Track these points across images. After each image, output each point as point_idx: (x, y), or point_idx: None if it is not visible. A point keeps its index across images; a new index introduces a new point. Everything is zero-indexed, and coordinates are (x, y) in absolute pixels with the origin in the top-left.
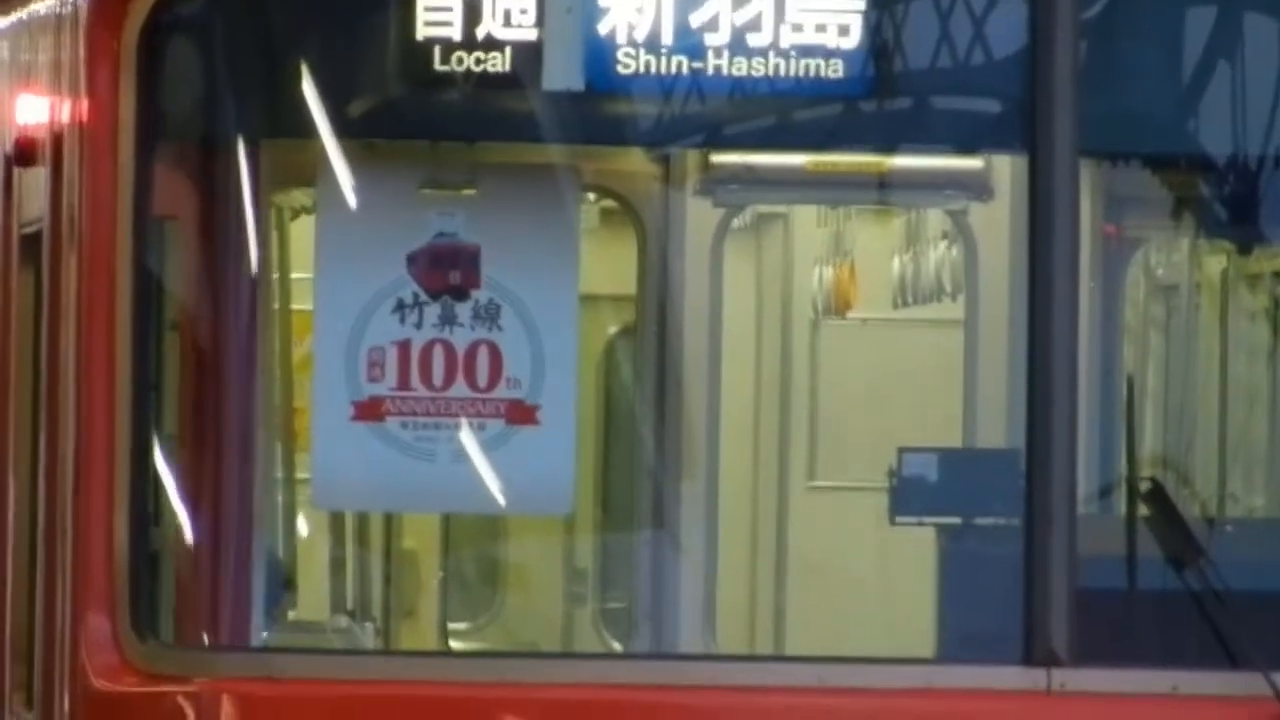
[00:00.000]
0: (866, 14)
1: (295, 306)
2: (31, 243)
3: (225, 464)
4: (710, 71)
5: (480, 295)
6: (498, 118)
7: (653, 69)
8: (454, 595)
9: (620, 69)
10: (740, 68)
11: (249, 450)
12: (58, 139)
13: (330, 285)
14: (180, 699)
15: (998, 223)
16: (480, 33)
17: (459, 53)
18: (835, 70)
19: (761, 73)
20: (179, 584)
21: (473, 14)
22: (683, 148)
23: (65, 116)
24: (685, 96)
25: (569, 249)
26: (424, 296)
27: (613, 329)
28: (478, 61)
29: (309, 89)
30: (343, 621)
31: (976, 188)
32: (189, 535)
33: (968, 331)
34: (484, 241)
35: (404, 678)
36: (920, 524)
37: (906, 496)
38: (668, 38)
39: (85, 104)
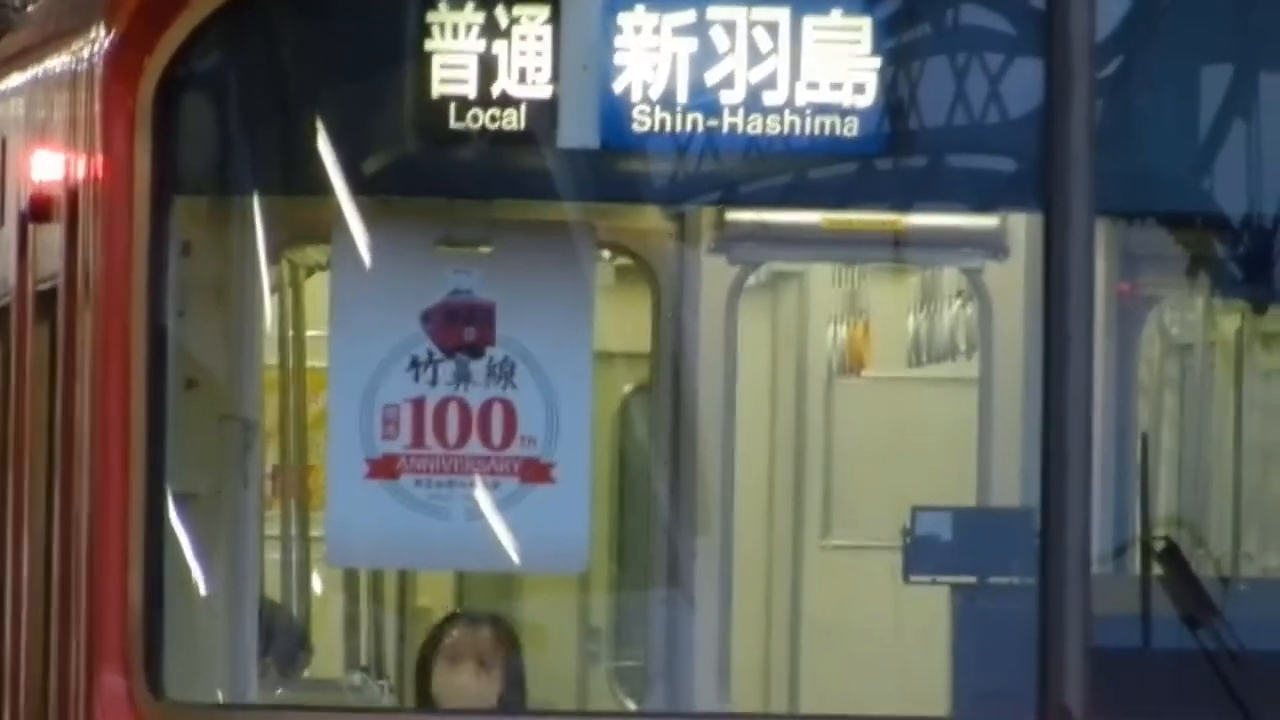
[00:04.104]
0: (882, 72)
1: (309, 364)
2: (47, 299)
3: (238, 521)
4: (725, 129)
5: (495, 353)
6: (513, 175)
7: (668, 127)
8: None
9: (635, 126)
10: (755, 125)
11: (263, 507)
12: (73, 195)
13: (345, 342)
14: None
15: (1012, 281)
16: (495, 90)
17: (474, 110)
18: (850, 128)
19: (777, 131)
20: (193, 641)
21: (488, 71)
22: (698, 205)
23: (81, 173)
24: (700, 154)
25: (584, 306)
26: (439, 354)
27: (627, 387)
28: (493, 119)
29: (324, 145)
30: (357, 679)
31: (991, 246)
32: (203, 592)
33: (982, 390)
34: (499, 299)
35: None
36: (934, 583)
37: (920, 555)
38: (683, 95)
39: (100, 160)
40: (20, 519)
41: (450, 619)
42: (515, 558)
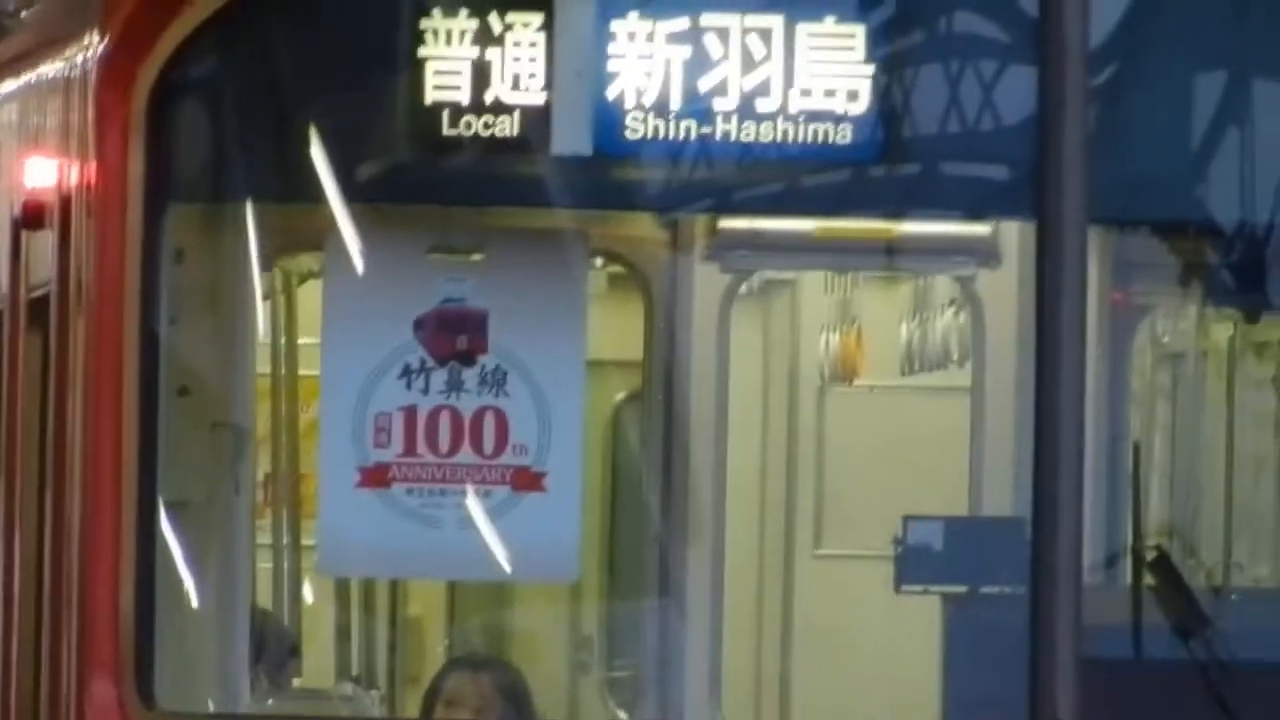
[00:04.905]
0: (875, 79)
1: (302, 371)
2: (39, 306)
3: (231, 530)
4: (719, 136)
5: (487, 361)
6: (506, 182)
7: (661, 134)
8: None
9: (629, 134)
10: (749, 133)
11: (254, 516)
12: (66, 202)
13: (337, 350)
14: None
15: (1005, 289)
16: (489, 97)
17: (467, 117)
18: (844, 136)
19: (770, 138)
20: (184, 651)
21: (481, 78)
22: (691, 213)
23: (73, 179)
24: (693, 161)
25: (576, 314)
26: (431, 362)
27: (619, 395)
28: (486, 126)
29: (317, 153)
30: (348, 689)
31: (984, 254)
32: (194, 602)
33: (974, 399)
34: (491, 307)
35: None
36: (926, 592)
37: (912, 565)
38: (676, 102)
39: (94, 167)
40: (12, 526)
41: (454, 662)
42: (507, 567)
